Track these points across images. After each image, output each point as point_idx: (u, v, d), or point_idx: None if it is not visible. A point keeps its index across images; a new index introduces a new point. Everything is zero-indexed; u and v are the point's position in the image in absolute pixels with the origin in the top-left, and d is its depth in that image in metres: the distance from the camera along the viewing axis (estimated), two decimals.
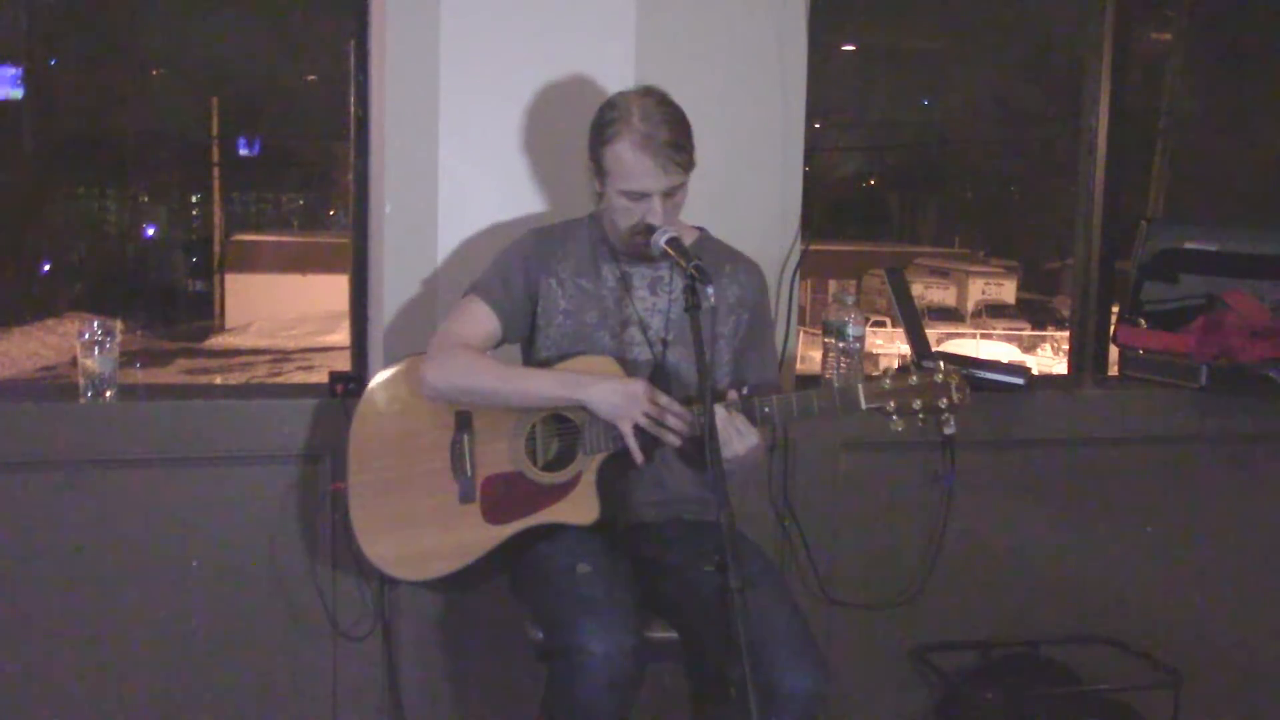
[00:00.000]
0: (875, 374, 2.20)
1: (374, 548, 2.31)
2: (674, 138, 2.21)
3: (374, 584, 2.61)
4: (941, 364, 2.19)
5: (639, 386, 2.18)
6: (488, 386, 2.25)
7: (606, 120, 2.25)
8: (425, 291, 2.65)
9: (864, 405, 2.17)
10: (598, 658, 1.96)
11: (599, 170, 2.27)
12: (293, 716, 2.64)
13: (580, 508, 2.25)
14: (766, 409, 2.19)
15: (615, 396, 2.18)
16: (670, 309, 2.33)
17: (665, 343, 2.33)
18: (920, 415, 2.17)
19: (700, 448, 2.13)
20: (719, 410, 2.13)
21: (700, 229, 2.44)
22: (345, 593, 2.62)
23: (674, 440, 2.18)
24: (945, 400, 2.16)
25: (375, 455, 2.33)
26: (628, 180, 2.22)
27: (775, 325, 2.58)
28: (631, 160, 2.20)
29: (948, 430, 2.18)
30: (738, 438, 2.16)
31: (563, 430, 2.28)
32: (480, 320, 2.32)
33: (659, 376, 2.30)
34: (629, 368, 2.29)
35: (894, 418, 2.17)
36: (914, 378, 2.17)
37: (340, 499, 2.37)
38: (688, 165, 2.24)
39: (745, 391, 2.19)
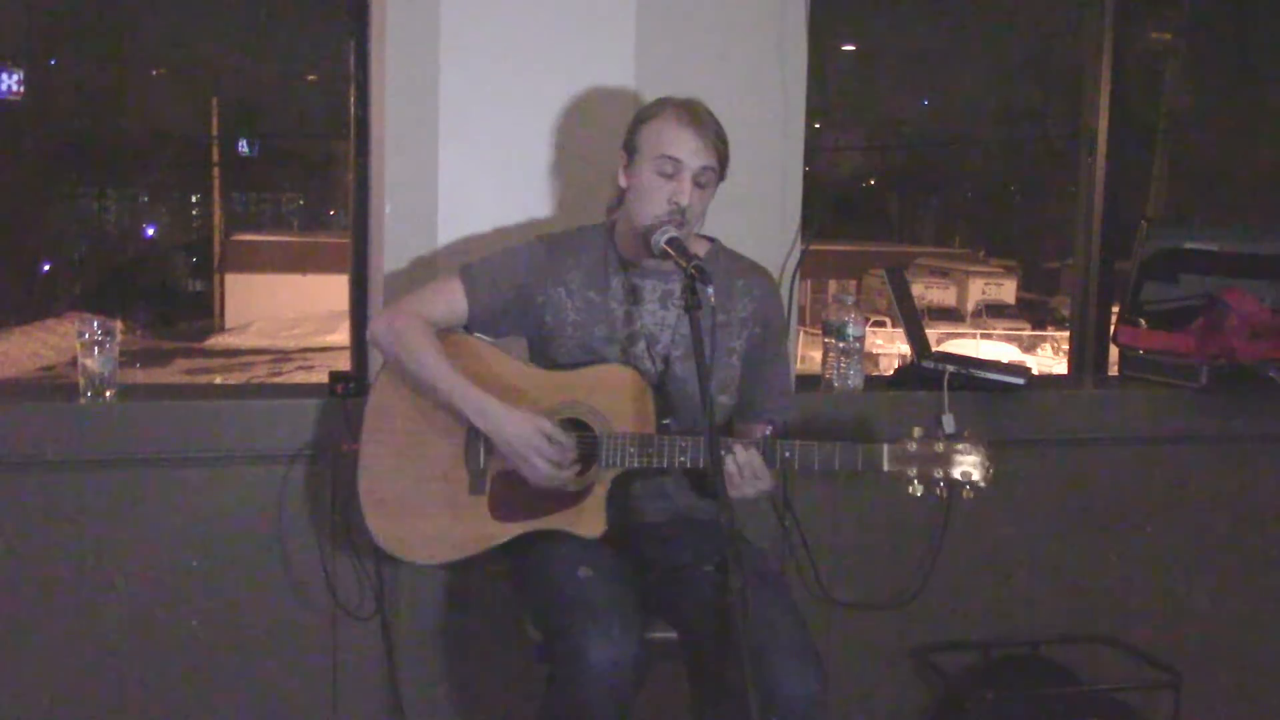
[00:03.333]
0: (902, 438, 2.20)
1: (377, 521, 2.29)
2: (718, 129, 2.24)
3: (374, 565, 2.59)
4: (967, 433, 2.20)
5: (531, 432, 2.17)
6: (413, 368, 2.23)
7: (651, 105, 2.28)
8: None
9: (886, 468, 2.18)
10: (597, 666, 1.95)
11: (632, 152, 2.26)
12: (293, 700, 2.64)
13: (588, 520, 2.24)
14: (788, 454, 2.18)
15: (508, 435, 2.17)
16: (678, 324, 2.31)
17: (667, 359, 2.31)
18: (941, 484, 2.18)
19: (703, 473, 2.15)
20: (738, 449, 2.15)
21: (711, 239, 2.42)
22: (346, 581, 2.61)
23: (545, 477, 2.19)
24: (965, 474, 2.18)
25: (392, 427, 2.30)
26: (665, 145, 2.20)
27: (788, 336, 2.56)
28: (674, 130, 2.21)
29: (968, 497, 2.20)
30: (751, 482, 2.16)
31: (582, 438, 2.25)
32: (451, 302, 2.30)
33: (661, 392, 2.29)
34: None
35: (914, 483, 2.18)
36: (939, 445, 2.17)
37: (350, 461, 2.35)
38: (722, 159, 2.25)
39: (769, 432, 2.18)
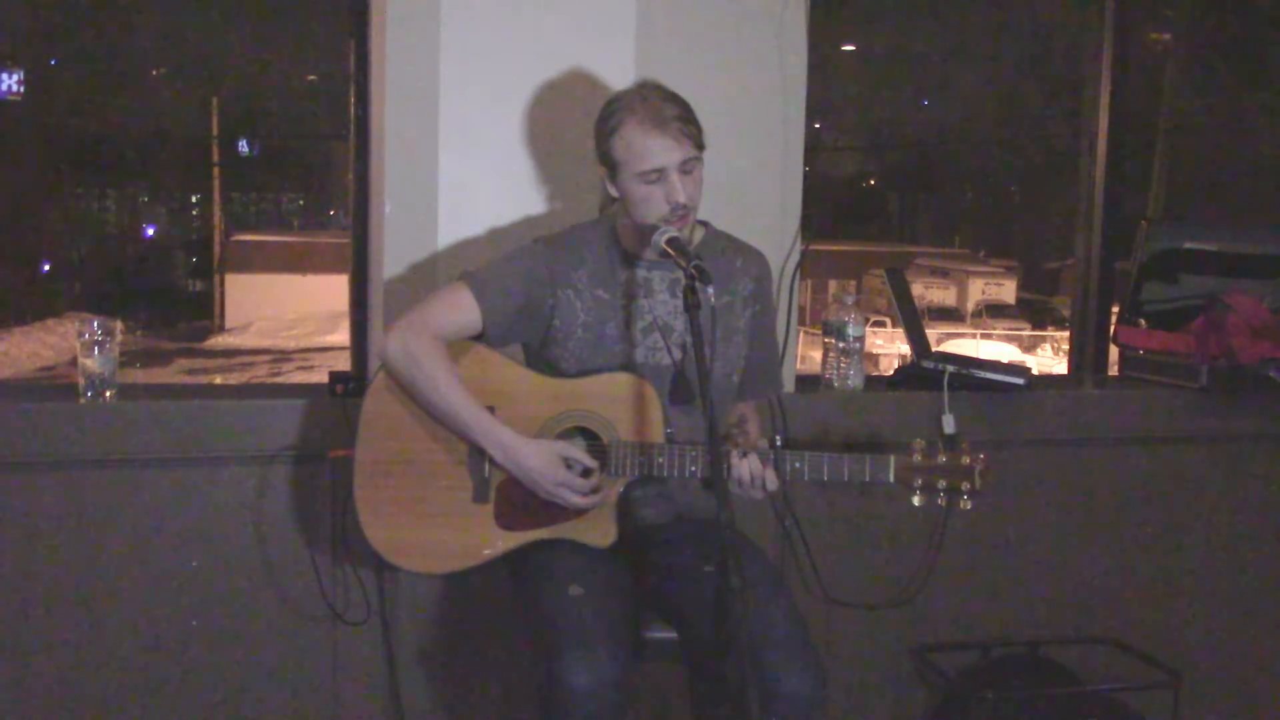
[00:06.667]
0: (907, 448, 2.21)
1: (374, 530, 2.24)
2: (680, 112, 2.19)
3: (374, 569, 2.59)
4: (965, 444, 2.23)
5: (554, 466, 2.17)
6: (430, 395, 2.19)
7: (608, 114, 2.22)
8: (425, 292, 2.64)
9: (892, 478, 2.20)
10: (582, 692, 1.94)
11: (610, 165, 2.22)
12: (293, 705, 2.64)
13: (597, 529, 2.22)
14: (797, 464, 2.19)
15: (530, 472, 2.17)
16: None
17: (685, 346, 2.30)
18: (942, 493, 2.21)
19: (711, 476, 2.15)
20: (753, 458, 2.15)
21: (704, 223, 2.40)
22: (345, 582, 2.61)
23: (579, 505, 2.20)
24: (968, 484, 2.21)
25: (387, 434, 2.25)
26: (642, 161, 2.17)
27: (776, 310, 2.58)
28: (641, 139, 2.16)
29: (965, 507, 2.23)
30: (760, 488, 2.17)
31: (589, 447, 2.24)
32: (463, 312, 2.24)
33: (681, 381, 2.28)
34: (653, 374, 2.26)
35: (917, 493, 2.21)
36: (943, 456, 2.21)
37: (341, 467, 2.33)
38: (698, 139, 2.21)
39: (778, 442, 2.18)
